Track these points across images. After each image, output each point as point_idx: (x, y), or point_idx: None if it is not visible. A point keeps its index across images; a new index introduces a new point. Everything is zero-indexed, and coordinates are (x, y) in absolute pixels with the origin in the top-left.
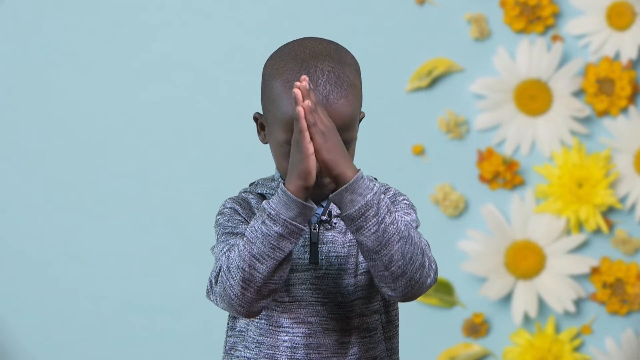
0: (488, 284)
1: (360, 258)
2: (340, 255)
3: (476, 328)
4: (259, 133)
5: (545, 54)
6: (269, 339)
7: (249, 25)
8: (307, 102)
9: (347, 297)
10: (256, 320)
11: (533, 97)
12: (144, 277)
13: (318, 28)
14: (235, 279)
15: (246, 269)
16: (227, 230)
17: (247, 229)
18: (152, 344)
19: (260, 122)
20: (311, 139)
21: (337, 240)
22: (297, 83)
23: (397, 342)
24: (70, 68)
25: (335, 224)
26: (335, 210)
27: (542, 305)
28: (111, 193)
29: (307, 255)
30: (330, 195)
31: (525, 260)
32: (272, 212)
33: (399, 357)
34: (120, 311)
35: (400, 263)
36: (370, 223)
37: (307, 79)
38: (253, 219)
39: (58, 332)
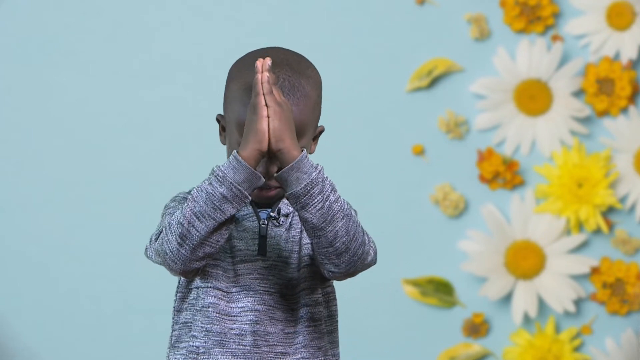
0: (488, 284)
1: (303, 252)
2: (284, 249)
3: (476, 328)
4: (220, 134)
5: (545, 54)
6: (217, 326)
7: (249, 25)
8: (266, 74)
9: (292, 288)
10: (204, 309)
11: (533, 97)
12: (144, 277)
13: (318, 28)
14: (173, 234)
15: (185, 225)
16: (173, 204)
17: (194, 189)
18: (152, 344)
19: (222, 124)
20: (266, 105)
21: (282, 235)
22: (260, 59)
23: (337, 337)
24: (70, 68)
25: (282, 222)
26: (283, 209)
27: (542, 305)
28: (111, 193)
29: (255, 247)
30: (276, 174)
31: (525, 260)
32: (220, 173)
33: (339, 352)
34: (120, 311)
35: (344, 239)
36: (315, 200)
37: (270, 60)
38: (202, 181)
39: (58, 332)
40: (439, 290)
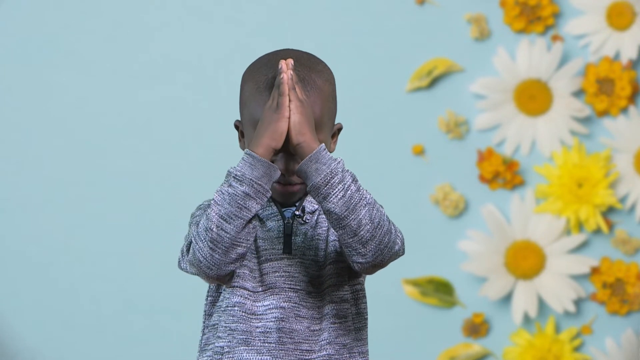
0: (488, 284)
1: (329, 249)
2: (310, 247)
3: (476, 328)
4: (239, 140)
5: (545, 54)
6: (242, 325)
7: (249, 25)
8: (291, 72)
9: (318, 286)
10: (228, 309)
11: (533, 97)
12: (144, 277)
13: (318, 28)
14: (204, 241)
15: (214, 229)
16: (199, 213)
17: (214, 194)
18: (152, 344)
19: (241, 130)
20: (290, 101)
21: (307, 233)
22: (283, 60)
23: (367, 334)
24: (70, 68)
25: (307, 219)
26: (308, 207)
27: (542, 305)
28: (111, 193)
29: (280, 246)
30: (297, 167)
31: (525, 260)
32: (238, 173)
33: (368, 350)
34: (120, 311)
35: (368, 227)
36: (336, 190)
37: (292, 61)
38: (220, 185)
39: (58, 332)
40: (439, 290)
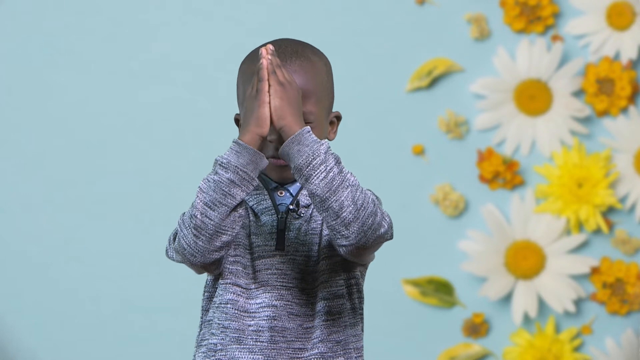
0: (488, 284)
1: (323, 244)
2: (304, 242)
3: (476, 328)
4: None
5: (545, 54)
6: (234, 322)
7: (249, 25)
8: (270, 57)
9: (311, 282)
10: (222, 306)
11: (533, 97)
12: (144, 277)
13: (318, 28)
14: (188, 228)
15: (198, 216)
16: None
17: (200, 182)
18: (152, 344)
19: (241, 123)
20: (270, 86)
21: (301, 228)
22: (263, 47)
23: (362, 330)
24: (70, 68)
25: (302, 213)
26: (302, 200)
27: (542, 305)
28: (111, 193)
29: (273, 242)
30: (280, 149)
31: (525, 260)
32: (224, 161)
33: (363, 346)
34: (120, 311)
35: (351, 208)
36: (318, 171)
37: (272, 47)
38: (207, 174)
39: (58, 332)
40: (439, 290)
